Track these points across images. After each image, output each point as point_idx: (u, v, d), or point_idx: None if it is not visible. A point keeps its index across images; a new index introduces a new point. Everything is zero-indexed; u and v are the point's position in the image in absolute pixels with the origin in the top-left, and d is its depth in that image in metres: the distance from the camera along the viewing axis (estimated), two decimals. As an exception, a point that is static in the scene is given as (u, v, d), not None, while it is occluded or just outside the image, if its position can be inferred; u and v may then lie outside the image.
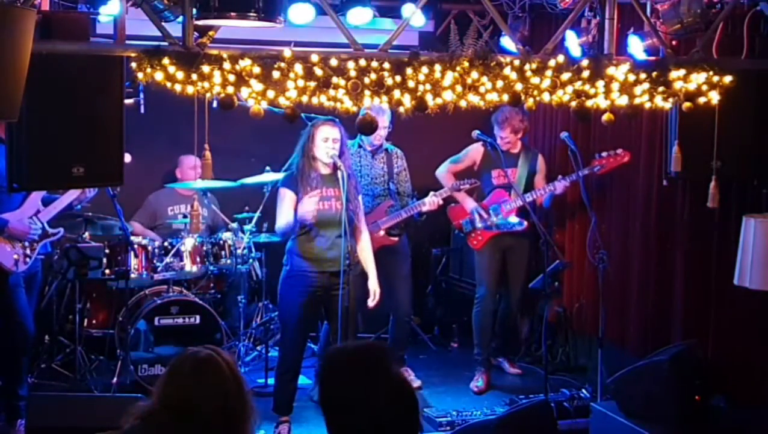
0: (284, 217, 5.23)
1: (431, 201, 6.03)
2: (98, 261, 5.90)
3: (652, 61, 4.65)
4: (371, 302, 5.39)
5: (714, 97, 4.59)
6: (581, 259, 6.36)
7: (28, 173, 3.94)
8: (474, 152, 6.33)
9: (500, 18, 4.68)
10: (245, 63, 4.05)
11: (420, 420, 2.44)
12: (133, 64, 3.96)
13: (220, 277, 6.57)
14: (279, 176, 5.74)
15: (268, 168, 6.20)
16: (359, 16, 4.84)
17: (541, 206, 6.25)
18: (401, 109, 4.34)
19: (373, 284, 5.38)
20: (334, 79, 4.16)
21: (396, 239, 6.07)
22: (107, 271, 5.93)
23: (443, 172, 6.35)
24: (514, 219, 6.17)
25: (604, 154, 5.95)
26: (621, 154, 5.91)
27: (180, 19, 4.09)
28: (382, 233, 6.01)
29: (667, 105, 4.65)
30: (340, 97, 4.21)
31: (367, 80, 4.21)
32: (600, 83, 4.48)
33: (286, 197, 5.26)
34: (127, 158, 5.16)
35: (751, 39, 4.79)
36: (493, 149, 6.08)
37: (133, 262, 5.96)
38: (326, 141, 5.19)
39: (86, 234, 6.00)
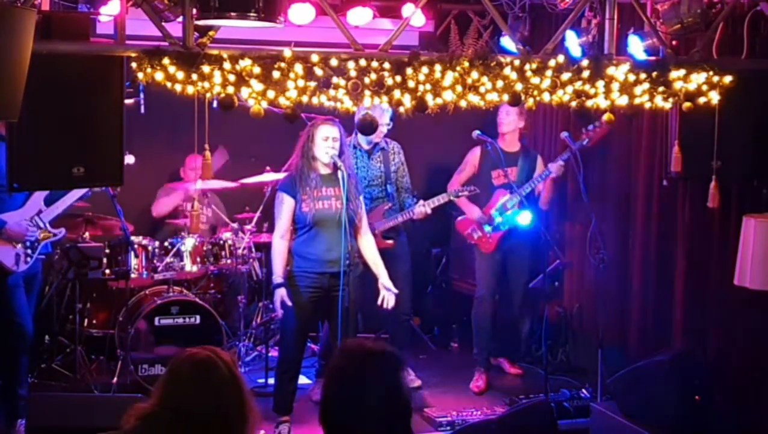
0: (283, 226, 5.25)
1: (419, 211, 6.01)
2: (98, 261, 5.90)
3: (652, 61, 4.64)
4: (389, 304, 5.33)
5: (714, 97, 4.59)
6: (581, 259, 6.36)
7: (28, 173, 3.93)
8: (471, 158, 6.33)
9: (500, 18, 4.67)
10: (245, 63, 4.05)
11: (412, 427, 2.45)
12: (133, 64, 3.96)
13: (220, 277, 6.57)
14: (279, 176, 5.74)
15: (268, 168, 6.20)
16: (359, 16, 4.84)
17: (539, 194, 6.20)
18: (401, 109, 4.33)
19: (386, 282, 5.33)
20: (334, 79, 4.16)
21: (391, 242, 6.02)
22: (107, 271, 5.94)
23: (452, 184, 6.33)
24: (519, 213, 6.11)
25: (590, 127, 5.89)
26: (602, 124, 5.61)
27: (180, 19, 4.09)
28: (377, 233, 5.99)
29: (667, 105, 4.65)
30: (340, 97, 4.21)
31: (367, 80, 4.20)
32: (600, 83, 4.48)
33: (285, 202, 5.27)
34: (131, 159, 5.18)
35: (751, 39, 4.79)
36: (492, 148, 6.08)
37: (133, 262, 5.96)
38: (326, 140, 5.18)
39: (86, 234, 6.00)
